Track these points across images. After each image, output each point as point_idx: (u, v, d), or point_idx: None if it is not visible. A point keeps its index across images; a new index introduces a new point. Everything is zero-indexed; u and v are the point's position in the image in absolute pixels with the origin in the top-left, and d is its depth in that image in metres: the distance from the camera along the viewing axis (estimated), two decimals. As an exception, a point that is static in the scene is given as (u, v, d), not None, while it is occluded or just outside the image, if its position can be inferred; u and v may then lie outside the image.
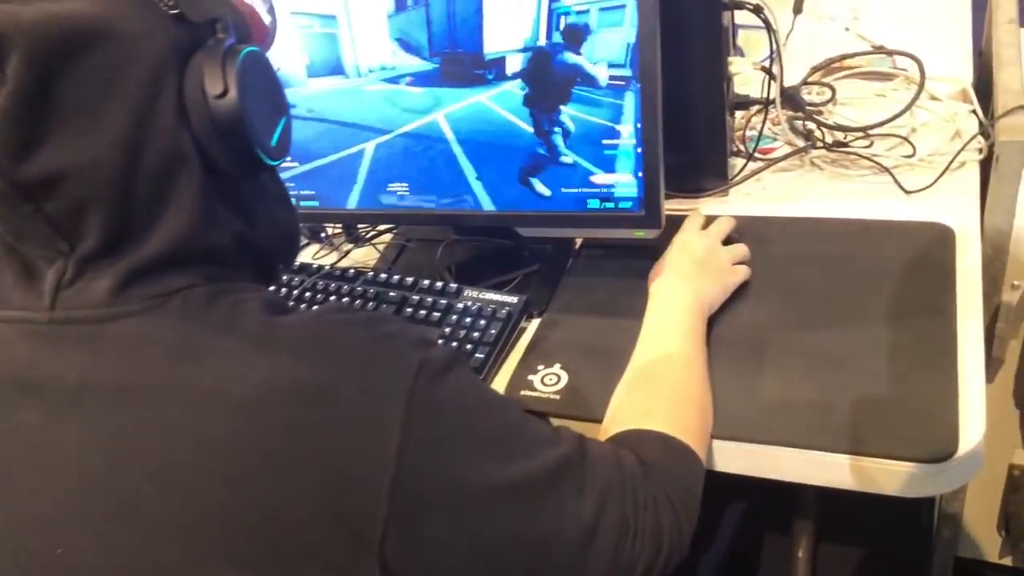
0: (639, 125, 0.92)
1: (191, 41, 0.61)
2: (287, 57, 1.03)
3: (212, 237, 0.63)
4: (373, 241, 1.19)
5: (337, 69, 1.02)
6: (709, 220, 1.07)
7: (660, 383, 0.84)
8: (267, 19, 0.77)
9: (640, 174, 0.94)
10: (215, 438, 0.56)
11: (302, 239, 1.24)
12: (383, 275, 1.10)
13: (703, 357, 0.88)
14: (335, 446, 0.56)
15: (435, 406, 0.60)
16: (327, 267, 1.14)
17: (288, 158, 0.69)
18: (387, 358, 0.61)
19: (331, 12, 1.00)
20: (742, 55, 1.46)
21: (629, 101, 0.92)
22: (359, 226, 1.22)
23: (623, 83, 0.91)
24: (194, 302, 0.61)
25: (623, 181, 0.95)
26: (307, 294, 1.10)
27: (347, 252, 1.21)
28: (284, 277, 1.13)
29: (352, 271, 1.12)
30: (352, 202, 1.07)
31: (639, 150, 0.93)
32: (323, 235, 1.23)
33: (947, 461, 0.78)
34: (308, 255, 1.22)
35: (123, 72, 0.58)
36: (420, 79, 0.99)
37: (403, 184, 1.04)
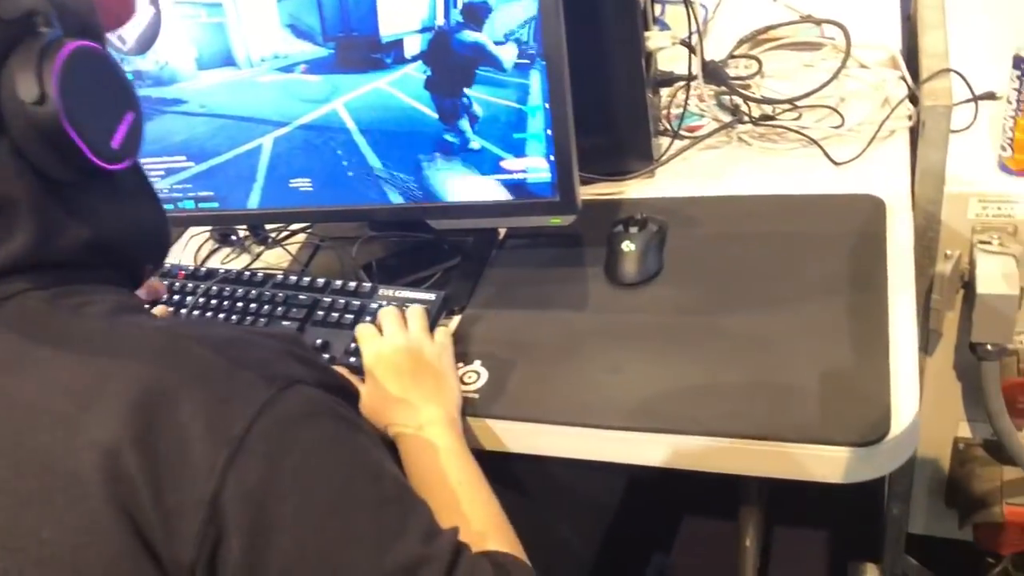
0: (547, 105, 0.87)
1: (8, 37, 0.55)
2: (174, 50, 0.96)
3: (56, 248, 0.58)
4: (284, 242, 1.13)
5: (228, 60, 0.95)
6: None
7: (473, 513, 0.71)
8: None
9: (552, 157, 0.89)
10: (29, 454, 0.51)
11: (213, 244, 1.18)
12: (293, 277, 1.04)
13: (478, 471, 0.77)
14: (151, 474, 0.51)
15: (269, 457, 0.53)
16: (233, 271, 1.08)
17: (136, 158, 0.62)
18: (229, 390, 0.54)
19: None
20: (667, 30, 1.42)
21: (535, 80, 0.86)
22: (268, 226, 1.15)
23: (528, 61, 0.86)
24: (30, 308, 0.56)
25: (535, 166, 0.90)
26: (212, 301, 1.04)
27: (258, 255, 1.14)
28: (189, 284, 1.06)
29: (260, 274, 1.06)
30: (253, 201, 1.01)
31: (549, 132, 0.88)
32: (233, 238, 1.16)
33: (880, 442, 0.75)
34: (217, 259, 1.16)
35: None
36: (315, 66, 0.93)
37: (306, 180, 0.98)
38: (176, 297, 1.05)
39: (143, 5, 0.95)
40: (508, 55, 0.86)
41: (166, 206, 1.01)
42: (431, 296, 0.97)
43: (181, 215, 1.04)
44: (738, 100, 1.18)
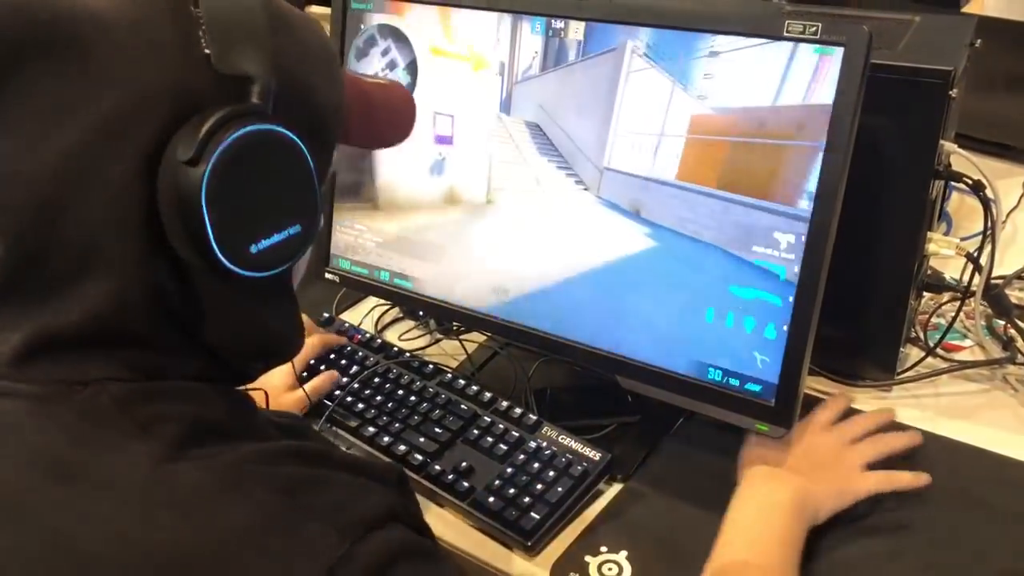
0: (793, 299, 0.74)
1: (212, 94, 0.49)
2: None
3: (145, 321, 0.51)
4: (463, 336, 1.06)
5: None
6: (850, 411, 0.87)
7: None
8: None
9: (783, 357, 0.76)
10: None
11: (397, 313, 1.13)
12: (462, 381, 0.96)
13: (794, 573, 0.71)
14: None
15: None
16: (406, 355, 1.02)
17: (272, 272, 0.53)
18: (292, 544, 0.47)
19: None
20: (949, 224, 1.25)
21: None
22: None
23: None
24: (102, 405, 0.49)
25: (760, 359, 0.77)
26: (376, 379, 0.98)
27: (437, 340, 1.08)
28: (360, 352, 1.02)
29: (431, 367, 0.99)
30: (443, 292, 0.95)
31: (786, 328, 0.75)
32: (420, 312, 1.11)
33: None
34: (396, 333, 1.11)
35: (97, 92, 0.48)
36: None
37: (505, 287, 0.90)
38: (343, 363, 1.01)
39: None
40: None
41: (359, 270, 1.00)
42: (595, 455, 0.86)
43: (372, 284, 1.00)
44: (1015, 333, 0.99)
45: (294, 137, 0.51)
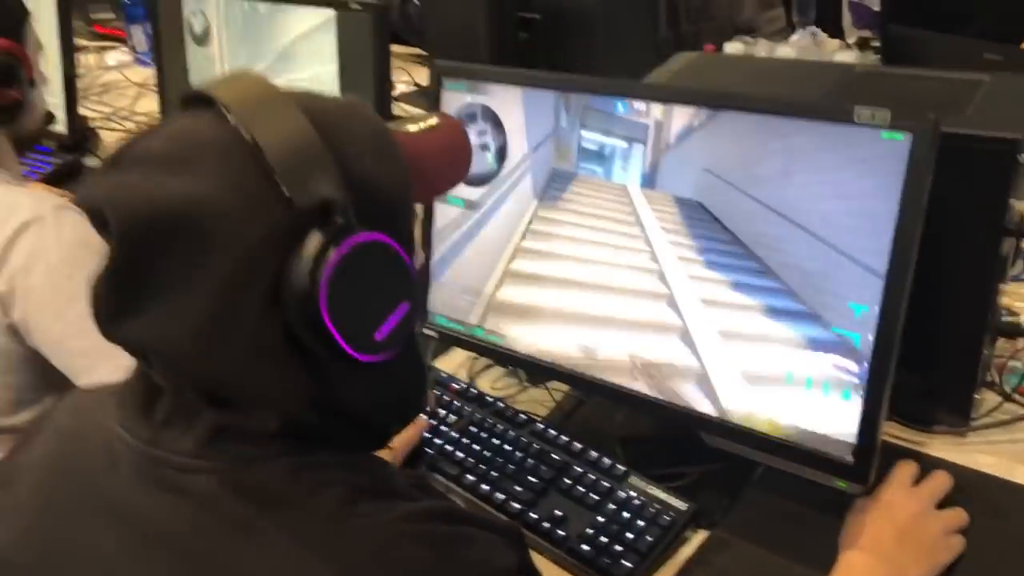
0: (868, 363, 0.79)
1: (300, 225, 0.56)
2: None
3: (303, 413, 0.60)
4: (549, 386, 1.12)
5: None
6: (920, 473, 0.90)
7: None
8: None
9: (858, 417, 0.81)
10: None
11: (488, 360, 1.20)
12: (552, 432, 1.03)
13: None
14: None
15: None
16: (499, 403, 1.09)
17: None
18: None
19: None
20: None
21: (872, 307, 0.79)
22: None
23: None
24: (275, 474, 0.59)
25: (840, 415, 0.82)
26: (471, 427, 1.06)
27: (526, 388, 1.15)
28: (455, 402, 1.09)
29: (523, 416, 1.06)
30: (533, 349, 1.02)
31: (864, 389, 0.80)
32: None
33: None
34: (487, 380, 1.18)
35: (212, 260, 0.56)
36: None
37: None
38: (442, 412, 1.09)
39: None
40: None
41: (455, 326, 1.08)
42: (682, 506, 0.92)
43: (466, 340, 1.08)
44: (1094, 379, 1.02)
45: (381, 237, 0.58)
